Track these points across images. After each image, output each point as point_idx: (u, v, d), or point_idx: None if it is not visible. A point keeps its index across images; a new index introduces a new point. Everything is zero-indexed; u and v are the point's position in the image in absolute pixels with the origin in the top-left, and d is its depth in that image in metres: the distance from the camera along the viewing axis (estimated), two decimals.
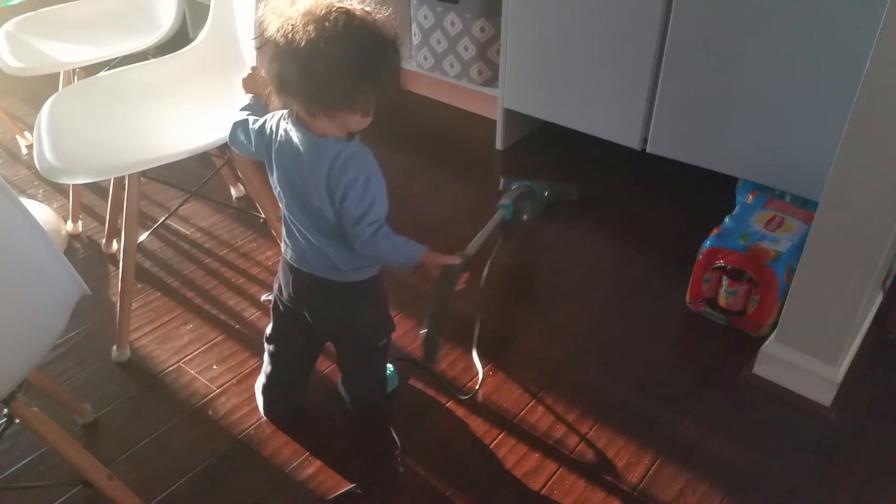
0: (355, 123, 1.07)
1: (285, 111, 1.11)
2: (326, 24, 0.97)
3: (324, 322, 1.28)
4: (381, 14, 1.04)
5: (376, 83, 1.03)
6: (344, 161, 1.06)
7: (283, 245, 1.24)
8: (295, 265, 1.22)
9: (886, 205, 1.24)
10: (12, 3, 1.31)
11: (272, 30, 1.00)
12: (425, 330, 1.29)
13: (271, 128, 1.14)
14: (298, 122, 1.08)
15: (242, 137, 1.21)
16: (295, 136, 1.09)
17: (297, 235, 1.19)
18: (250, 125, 1.19)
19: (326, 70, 0.99)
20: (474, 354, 1.54)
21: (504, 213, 1.70)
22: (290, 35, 0.98)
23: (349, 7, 1.01)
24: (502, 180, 1.99)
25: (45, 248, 0.90)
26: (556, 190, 1.97)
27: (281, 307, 1.30)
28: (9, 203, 0.84)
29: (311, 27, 0.97)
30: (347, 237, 1.13)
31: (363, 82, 1.02)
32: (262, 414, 1.40)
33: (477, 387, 1.48)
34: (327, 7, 0.99)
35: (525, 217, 1.79)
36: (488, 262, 1.60)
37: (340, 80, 1.00)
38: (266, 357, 1.37)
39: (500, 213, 1.70)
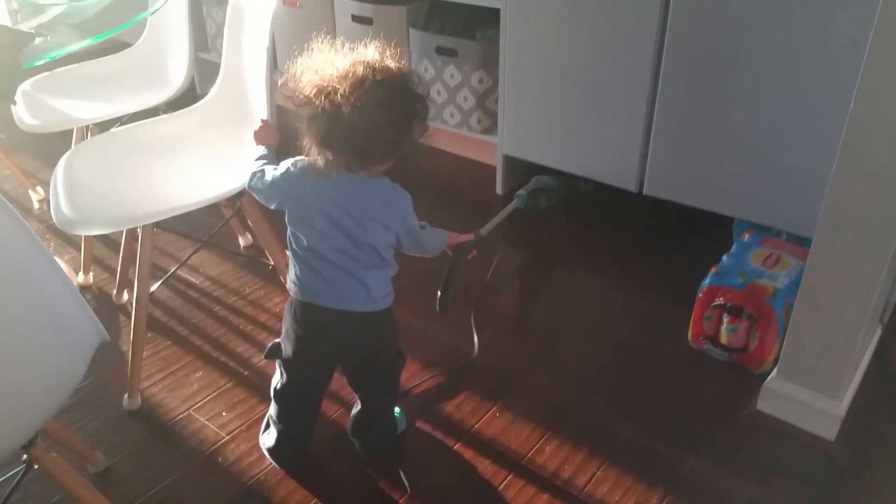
0: (381, 171, 1.20)
1: (316, 158, 1.17)
2: (370, 91, 1.07)
3: (350, 355, 1.32)
4: (408, 66, 1.14)
5: (409, 136, 1.15)
6: (394, 195, 1.22)
7: (296, 288, 1.26)
8: (319, 304, 1.24)
9: (877, 240, 1.27)
10: (37, 63, 1.37)
11: (312, 91, 1.09)
12: (441, 290, 1.49)
13: (300, 170, 1.21)
14: (339, 169, 1.17)
15: (262, 183, 1.27)
16: (340, 178, 1.17)
17: (326, 272, 1.22)
18: (271, 170, 1.26)
19: (369, 134, 1.10)
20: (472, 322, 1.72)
21: (520, 202, 1.97)
22: (333, 99, 1.07)
23: (383, 65, 1.10)
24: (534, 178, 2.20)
25: (70, 294, 0.94)
26: (574, 184, 2.25)
27: (291, 357, 1.31)
28: (37, 252, 0.88)
29: (353, 94, 1.06)
30: (381, 264, 1.24)
31: (400, 140, 1.14)
32: (275, 464, 1.41)
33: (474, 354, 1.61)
34: (364, 66, 1.08)
35: (542, 206, 2.06)
36: (491, 271, 1.91)
37: (382, 142, 1.12)
38: (274, 413, 1.38)
39: (515, 202, 1.95)
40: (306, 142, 1.15)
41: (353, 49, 1.13)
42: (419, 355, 1.66)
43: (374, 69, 1.10)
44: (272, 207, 1.28)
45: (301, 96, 1.12)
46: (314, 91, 1.10)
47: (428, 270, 1.42)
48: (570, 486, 1.36)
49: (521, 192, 2.01)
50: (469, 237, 1.49)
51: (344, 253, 1.21)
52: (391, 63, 1.13)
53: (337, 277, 1.22)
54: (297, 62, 1.13)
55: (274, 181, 1.24)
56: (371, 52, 1.13)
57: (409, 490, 1.35)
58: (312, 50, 1.14)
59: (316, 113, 1.10)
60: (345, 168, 1.16)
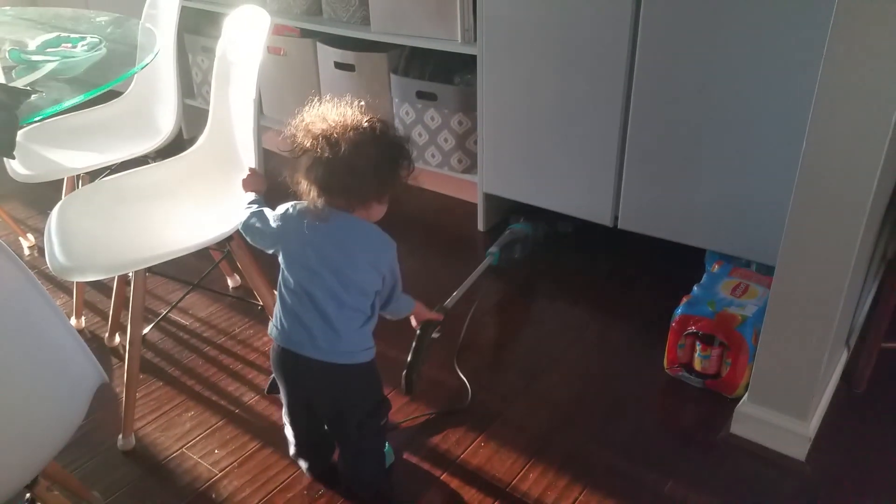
0: (378, 212, 1.31)
1: (312, 202, 1.26)
2: (362, 131, 1.20)
3: (327, 406, 1.37)
4: (389, 119, 1.27)
5: (399, 175, 1.27)
6: (383, 240, 1.32)
7: (276, 332, 1.33)
8: (296, 351, 1.30)
9: (835, 268, 1.35)
10: (35, 119, 1.44)
11: (309, 142, 1.21)
12: (406, 368, 1.55)
13: (297, 213, 1.30)
14: (336, 211, 1.26)
15: (258, 225, 1.35)
16: (339, 222, 1.27)
17: (306, 318, 1.28)
18: (267, 214, 1.35)
19: (366, 168, 1.21)
20: (458, 370, 1.76)
21: (492, 260, 2.02)
22: (333, 143, 1.19)
23: (371, 115, 1.24)
24: (510, 218, 2.33)
25: (71, 338, 0.99)
26: (552, 227, 2.30)
27: (285, 392, 1.39)
28: (39, 297, 0.94)
29: (350, 134, 1.19)
30: (363, 317, 1.31)
31: (391, 177, 1.26)
32: (307, 475, 1.50)
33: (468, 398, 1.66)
34: (356, 118, 1.22)
35: (517, 256, 2.15)
36: (473, 308, 1.98)
37: (375, 177, 1.24)
38: (288, 431, 1.47)
39: (487, 261, 2.01)
40: (306, 188, 1.24)
41: (340, 105, 1.25)
42: (400, 389, 1.71)
43: (362, 118, 1.23)
44: (269, 249, 1.35)
45: (300, 147, 1.23)
46: (311, 141, 1.21)
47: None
48: None
49: (493, 248, 2.06)
50: (438, 316, 1.58)
51: (331, 294, 1.27)
52: (373, 114, 1.26)
53: (315, 325, 1.28)
54: (294, 120, 1.25)
55: (275, 221, 1.33)
56: (357, 108, 1.25)
57: None
58: (306, 109, 1.26)
59: (314, 159, 1.21)
60: (345, 208, 1.26)
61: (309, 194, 1.25)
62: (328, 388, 1.34)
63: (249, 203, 1.40)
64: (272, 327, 1.35)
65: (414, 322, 1.55)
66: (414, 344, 1.55)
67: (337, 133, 1.20)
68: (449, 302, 1.71)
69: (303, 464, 1.50)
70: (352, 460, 1.45)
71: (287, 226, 1.31)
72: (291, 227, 1.30)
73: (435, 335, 1.59)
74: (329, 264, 1.27)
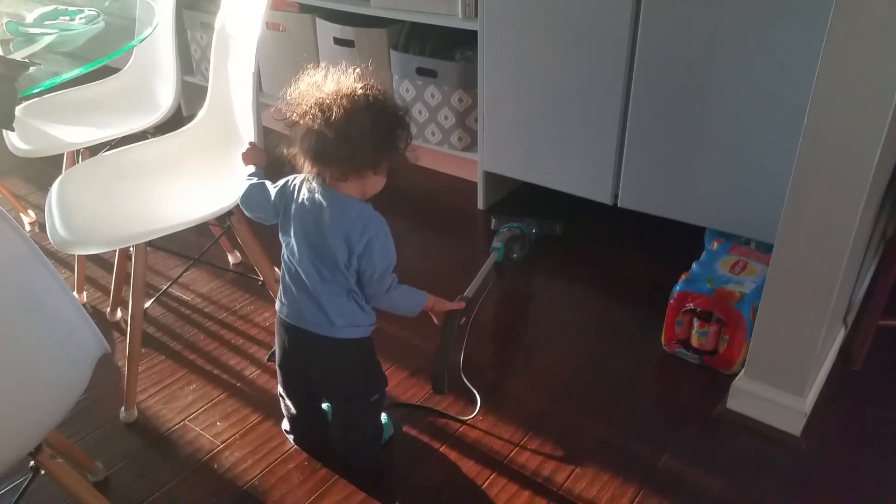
0: (375, 184, 1.27)
1: (308, 175, 1.26)
2: (356, 98, 1.17)
3: (318, 377, 1.39)
4: (388, 89, 1.25)
5: (395, 146, 1.23)
6: (366, 220, 1.25)
7: (278, 304, 1.36)
8: (291, 322, 1.33)
9: (834, 245, 1.35)
10: (34, 91, 1.44)
11: (301, 111, 1.19)
12: (435, 365, 1.46)
13: (294, 187, 1.29)
14: (325, 184, 1.24)
15: (258, 199, 1.35)
16: (320, 196, 1.24)
17: (297, 292, 1.30)
18: (268, 186, 1.34)
19: (360, 135, 1.18)
20: (465, 380, 1.68)
21: (497, 256, 1.98)
22: (325, 110, 1.16)
23: (365, 82, 1.21)
24: (493, 220, 2.25)
25: (74, 308, 1.00)
26: (542, 227, 2.23)
27: (282, 363, 1.41)
28: (42, 268, 0.95)
29: (343, 101, 1.16)
30: (348, 293, 1.28)
31: (386, 146, 1.22)
32: (294, 444, 1.51)
33: (476, 409, 1.60)
34: (351, 86, 1.19)
35: (515, 256, 2.08)
36: (477, 304, 1.86)
37: (370, 144, 1.20)
38: (282, 404, 1.49)
39: (493, 256, 1.97)
40: (300, 159, 1.23)
41: (337, 73, 1.22)
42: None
43: (356, 85, 1.20)
44: (268, 222, 1.36)
45: (293, 117, 1.21)
46: (304, 110, 1.19)
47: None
48: (550, 482, 1.43)
49: (497, 244, 2.04)
50: (460, 305, 1.47)
51: (312, 268, 1.27)
52: (372, 81, 1.23)
53: (302, 298, 1.30)
54: (287, 89, 1.23)
55: (268, 196, 1.33)
56: (353, 75, 1.22)
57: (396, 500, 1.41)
58: (300, 77, 1.23)
59: (307, 129, 1.19)
60: (339, 178, 1.23)
61: (303, 165, 1.24)
62: (317, 361, 1.36)
63: (249, 175, 1.41)
64: (278, 299, 1.37)
65: (435, 319, 1.46)
66: (441, 338, 1.45)
67: (329, 100, 1.17)
68: (468, 291, 1.67)
69: (290, 437, 1.52)
70: (342, 432, 1.46)
71: (283, 198, 1.31)
72: (287, 199, 1.31)
73: (461, 322, 1.49)
74: (308, 238, 1.26)
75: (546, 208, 2.40)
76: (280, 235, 1.33)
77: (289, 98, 1.22)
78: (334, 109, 1.16)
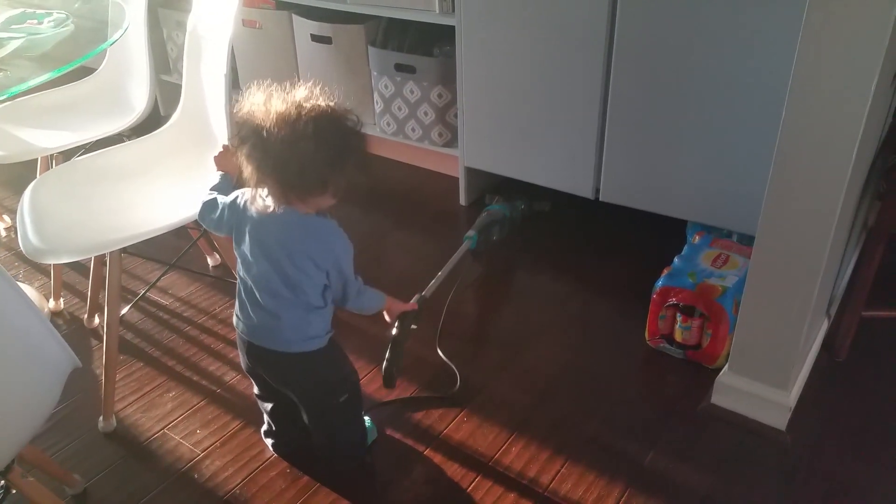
0: (325, 202, 1.21)
1: (260, 190, 1.21)
2: (297, 125, 1.11)
3: (280, 385, 1.37)
4: (341, 104, 1.17)
5: (343, 169, 1.17)
6: (333, 236, 1.23)
7: (234, 319, 1.34)
8: (246, 339, 1.32)
9: (816, 236, 1.34)
10: (11, 93, 1.40)
11: (248, 131, 1.13)
12: (385, 362, 1.49)
13: (245, 202, 1.25)
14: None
15: (211, 214, 1.32)
16: (279, 213, 1.20)
17: (251, 308, 1.28)
18: (219, 202, 1.31)
19: (300, 166, 1.13)
20: (440, 354, 1.73)
21: (470, 244, 1.98)
22: (265, 136, 1.11)
23: (314, 104, 1.14)
24: (487, 197, 2.30)
25: (40, 324, 0.97)
26: (531, 205, 2.27)
27: (247, 370, 1.40)
28: (5, 284, 0.92)
29: (284, 130, 1.10)
30: (306, 306, 1.26)
31: (333, 171, 1.16)
32: (272, 451, 1.50)
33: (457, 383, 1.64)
34: (296, 107, 1.12)
35: (495, 238, 2.11)
36: (453, 289, 1.93)
37: (313, 173, 1.15)
38: (262, 409, 1.47)
39: (465, 245, 1.97)
40: (248, 177, 1.18)
41: (286, 91, 1.16)
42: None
43: (302, 106, 1.13)
44: (222, 235, 1.33)
45: (236, 138, 1.17)
46: (246, 131, 1.14)
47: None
48: (536, 484, 1.42)
49: (471, 232, 2.04)
50: (413, 306, 1.51)
51: (267, 286, 1.25)
52: (322, 101, 1.15)
53: (257, 313, 1.28)
54: (238, 103, 1.18)
55: (222, 212, 1.30)
56: (301, 92, 1.15)
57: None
58: (243, 96, 1.18)
59: (250, 150, 1.14)
60: (283, 202, 1.19)
61: (251, 183, 1.19)
62: (276, 373, 1.34)
63: (211, 189, 1.37)
64: (234, 314, 1.35)
65: (388, 317, 1.47)
66: (392, 338, 1.49)
67: (270, 123, 1.11)
68: (427, 291, 1.66)
69: (268, 441, 1.50)
70: (318, 437, 1.44)
71: (235, 214, 1.28)
72: (238, 216, 1.27)
73: (413, 327, 1.51)
74: (268, 255, 1.23)
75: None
76: (234, 248, 1.30)
77: (238, 113, 1.18)
78: (274, 137, 1.11)
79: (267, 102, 1.14)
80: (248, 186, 1.21)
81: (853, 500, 1.39)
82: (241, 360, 1.39)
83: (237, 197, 1.28)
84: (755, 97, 1.76)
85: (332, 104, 1.16)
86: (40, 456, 1.34)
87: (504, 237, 2.14)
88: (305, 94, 1.15)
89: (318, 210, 1.22)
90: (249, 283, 1.27)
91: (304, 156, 1.12)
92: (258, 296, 1.26)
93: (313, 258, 1.22)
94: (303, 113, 1.12)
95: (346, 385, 1.39)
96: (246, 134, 1.14)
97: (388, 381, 1.51)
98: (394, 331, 1.49)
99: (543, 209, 2.31)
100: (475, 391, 1.65)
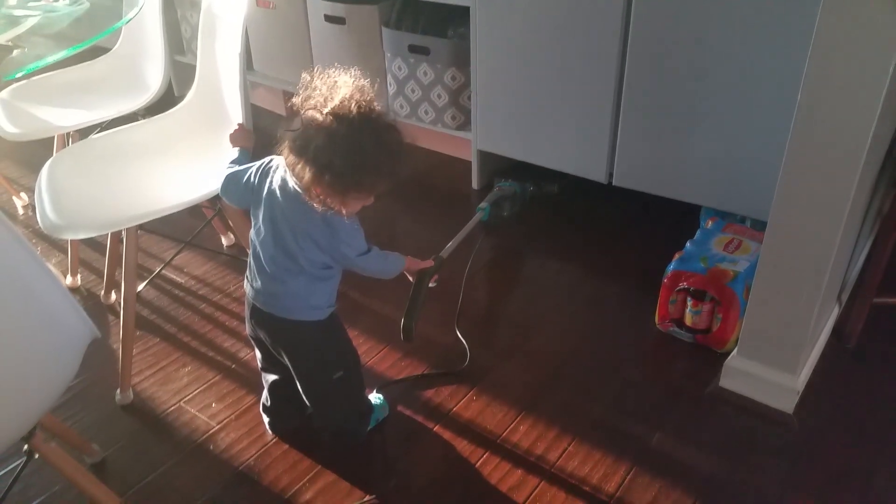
0: (362, 203, 1.23)
1: (285, 165, 1.22)
2: (364, 127, 1.13)
3: (277, 349, 1.38)
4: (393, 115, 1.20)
5: (392, 176, 1.19)
6: (332, 224, 1.22)
7: (245, 283, 1.36)
8: (251, 301, 1.34)
9: (828, 222, 1.35)
10: (17, 75, 1.42)
11: (310, 125, 1.14)
12: (405, 317, 1.53)
13: (270, 169, 1.27)
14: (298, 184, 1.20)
15: (235, 188, 1.33)
16: (290, 188, 1.22)
17: (258, 272, 1.31)
18: (243, 175, 1.32)
19: (359, 167, 1.14)
20: (457, 332, 1.76)
21: (482, 216, 2.03)
22: (328, 133, 1.12)
23: (378, 109, 1.16)
24: (495, 178, 2.32)
25: (61, 295, 1.00)
26: (540, 186, 2.31)
27: (250, 333, 1.41)
28: (28, 256, 0.94)
29: (351, 131, 1.13)
30: (308, 276, 1.27)
31: (382, 177, 1.18)
32: (268, 430, 1.51)
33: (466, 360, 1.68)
34: (359, 107, 1.13)
35: (506, 213, 2.16)
36: (470, 260, 2.00)
37: (369, 175, 1.16)
38: (263, 382, 1.49)
39: (478, 216, 2.01)
40: (293, 161, 1.16)
41: (353, 78, 1.17)
42: (399, 346, 1.73)
43: (375, 106, 1.16)
44: (242, 207, 1.35)
45: (290, 132, 1.16)
46: (307, 125, 1.14)
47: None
48: (543, 461, 1.44)
49: (484, 204, 2.08)
50: (429, 263, 1.54)
51: (273, 254, 1.27)
52: (378, 105, 1.17)
53: (263, 277, 1.30)
54: (304, 87, 1.17)
55: (247, 183, 1.31)
56: (362, 90, 1.16)
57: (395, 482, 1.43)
58: (317, 76, 1.18)
59: (317, 125, 1.14)
60: (322, 197, 1.17)
61: (294, 169, 1.17)
62: (274, 338, 1.36)
63: (231, 163, 1.38)
64: (245, 278, 1.38)
65: (409, 276, 1.52)
66: (411, 294, 1.53)
67: (336, 123, 1.12)
68: (444, 252, 1.70)
69: (266, 418, 1.52)
70: (314, 409, 1.45)
71: (259, 180, 1.29)
72: (260, 181, 1.28)
73: (431, 284, 1.57)
74: (273, 225, 1.25)
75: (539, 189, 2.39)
76: (251, 211, 1.31)
77: (302, 96, 1.17)
78: (339, 134, 1.12)
79: (330, 98, 1.14)
80: (289, 167, 1.19)
81: (857, 485, 1.40)
82: (247, 324, 1.40)
83: (263, 164, 1.30)
84: (770, 83, 1.75)
85: (388, 113, 1.19)
86: (60, 426, 1.37)
87: (514, 214, 2.15)
88: (366, 92, 1.16)
89: (349, 209, 1.21)
90: (258, 247, 1.29)
91: (366, 158, 1.14)
92: (263, 261, 1.28)
93: (317, 242, 1.24)
94: (375, 111, 1.15)
95: (341, 363, 1.40)
96: (308, 129, 1.14)
97: (407, 335, 1.54)
98: (412, 289, 1.54)
99: (552, 191, 2.33)
100: (485, 371, 1.67)
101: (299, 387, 1.41)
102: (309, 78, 1.17)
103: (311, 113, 1.15)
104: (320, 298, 1.32)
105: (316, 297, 1.31)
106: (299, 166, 1.15)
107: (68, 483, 1.33)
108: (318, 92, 1.16)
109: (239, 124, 1.51)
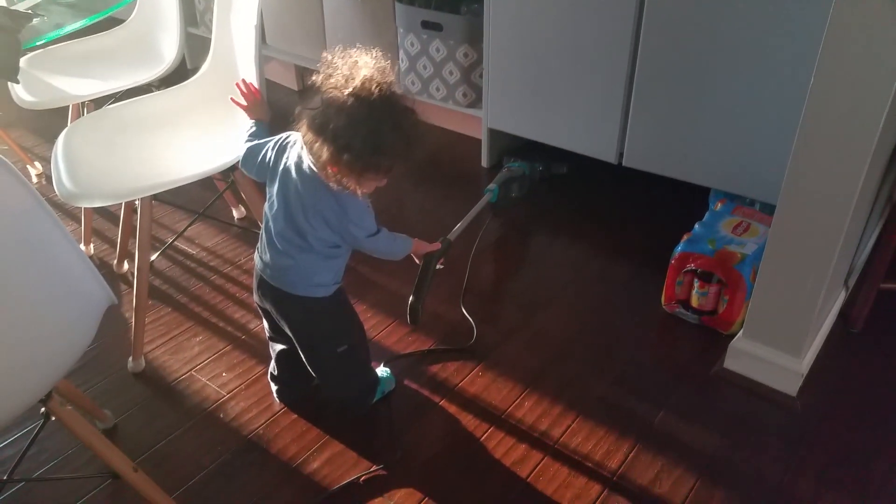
0: (377, 183, 1.23)
1: (301, 142, 1.23)
2: (388, 108, 1.15)
3: (281, 320, 1.40)
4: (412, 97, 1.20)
5: (408, 157, 1.20)
6: (344, 203, 1.23)
7: (255, 255, 1.38)
8: (258, 272, 1.36)
9: (836, 207, 1.35)
10: (38, 43, 1.43)
11: (330, 104, 1.14)
12: (411, 299, 1.56)
13: (287, 145, 1.29)
14: (314, 162, 1.22)
15: (255, 160, 1.35)
16: (305, 166, 1.23)
17: (268, 246, 1.33)
18: (263, 147, 1.33)
19: (376, 147, 1.14)
20: (463, 310, 1.79)
21: (491, 197, 2.03)
22: (349, 111, 1.13)
23: (393, 92, 1.16)
24: (504, 158, 2.33)
25: (80, 260, 1.02)
26: (549, 166, 2.31)
27: (257, 302, 1.43)
28: (48, 220, 0.96)
29: (372, 111, 1.13)
30: (316, 254, 1.29)
31: (398, 158, 1.19)
32: (276, 398, 1.54)
33: (473, 337, 1.70)
34: (380, 89, 1.14)
35: (514, 195, 2.16)
36: (477, 239, 2.01)
37: (385, 155, 1.17)
38: (270, 351, 1.52)
39: (486, 197, 2.02)
40: (311, 139, 1.17)
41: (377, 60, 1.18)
42: (406, 320, 1.74)
43: (392, 92, 1.16)
44: (263, 181, 1.36)
45: (310, 109, 1.16)
46: (328, 104, 1.15)
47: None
48: (547, 437, 1.47)
49: (492, 185, 2.08)
50: (437, 246, 1.55)
51: (283, 229, 1.28)
52: (398, 88, 1.18)
53: (272, 251, 1.32)
54: (327, 63, 1.18)
55: (264, 156, 1.32)
56: (383, 71, 1.16)
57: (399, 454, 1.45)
58: (338, 54, 1.18)
59: (325, 121, 1.14)
60: (338, 175, 1.18)
61: (312, 147, 1.18)
62: (280, 310, 1.37)
63: (249, 136, 1.39)
64: (256, 251, 1.40)
65: (416, 259, 1.54)
66: (418, 276, 1.56)
67: (357, 104, 1.13)
68: (452, 234, 1.71)
69: (273, 387, 1.55)
70: (320, 381, 1.48)
71: (276, 155, 1.31)
72: (277, 156, 1.30)
73: (439, 266, 1.59)
74: (286, 202, 1.27)
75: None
76: (267, 186, 1.33)
77: (326, 71, 1.17)
78: (360, 114, 1.13)
79: (351, 78, 1.14)
80: (307, 145, 1.20)
81: (858, 468, 1.41)
82: (254, 294, 1.42)
83: (280, 139, 1.31)
84: (783, 67, 1.74)
85: (402, 92, 1.19)
86: (74, 391, 1.40)
87: (523, 195, 2.16)
88: (387, 74, 1.16)
89: (364, 189, 1.22)
90: (270, 221, 1.31)
91: (384, 141, 1.14)
92: (273, 236, 1.30)
93: (327, 221, 1.25)
94: (392, 99, 1.15)
95: (345, 337, 1.41)
96: (328, 109, 1.14)
97: (414, 318, 1.56)
98: (419, 271, 1.56)
99: (561, 172, 2.33)
100: (491, 348, 1.69)
101: (303, 358, 1.43)
102: (330, 57, 1.17)
103: (332, 92, 1.15)
104: (327, 276, 1.33)
105: (322, 274, 1.33)
106: (317, 144, 1.16)
107: (81, 447, 1.37)
108: (338, 72, 1.16)
109: (254, 89, 1.47)
